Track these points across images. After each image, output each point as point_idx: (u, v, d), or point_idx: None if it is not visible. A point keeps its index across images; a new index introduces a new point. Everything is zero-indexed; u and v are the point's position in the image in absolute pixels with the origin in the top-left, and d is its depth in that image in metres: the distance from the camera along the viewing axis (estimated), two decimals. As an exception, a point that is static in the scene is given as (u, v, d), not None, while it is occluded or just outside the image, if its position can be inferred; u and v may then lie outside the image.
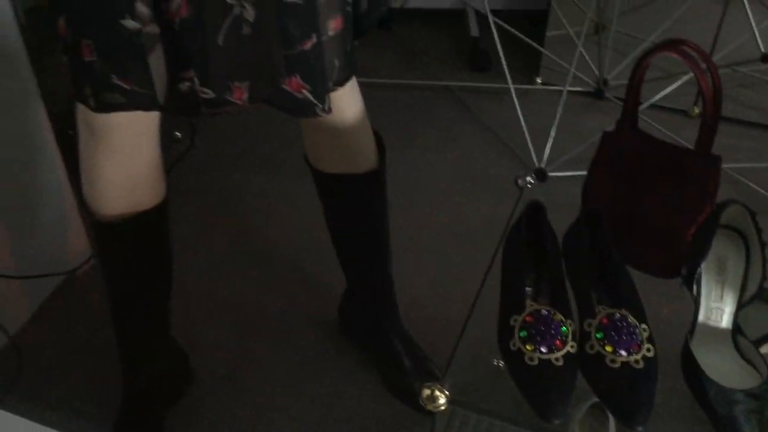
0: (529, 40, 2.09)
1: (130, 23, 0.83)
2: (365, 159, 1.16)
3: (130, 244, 1.10)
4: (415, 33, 2.35)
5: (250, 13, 0.85)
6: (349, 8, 0.96)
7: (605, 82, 2.09)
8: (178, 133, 1.93)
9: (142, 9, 0.82)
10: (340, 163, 1.15)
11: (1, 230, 1.35)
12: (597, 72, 2.07)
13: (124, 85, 0.88)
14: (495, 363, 1.04)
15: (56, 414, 1.27)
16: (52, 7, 0.89)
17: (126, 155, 1.01)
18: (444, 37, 2.39)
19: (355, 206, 1.21)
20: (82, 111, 0.98)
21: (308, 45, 0.89)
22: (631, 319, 0.85)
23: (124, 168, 1.02)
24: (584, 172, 1.06)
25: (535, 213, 0.99)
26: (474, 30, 2.31)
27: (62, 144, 1.45)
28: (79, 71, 0.90)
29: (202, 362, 1.38)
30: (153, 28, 0.84)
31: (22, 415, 0.70)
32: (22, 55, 1.32)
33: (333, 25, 0.93)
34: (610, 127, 1.03)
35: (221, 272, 1.58)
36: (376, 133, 1.18)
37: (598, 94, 2.11)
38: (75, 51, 0.88)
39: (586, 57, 2.05)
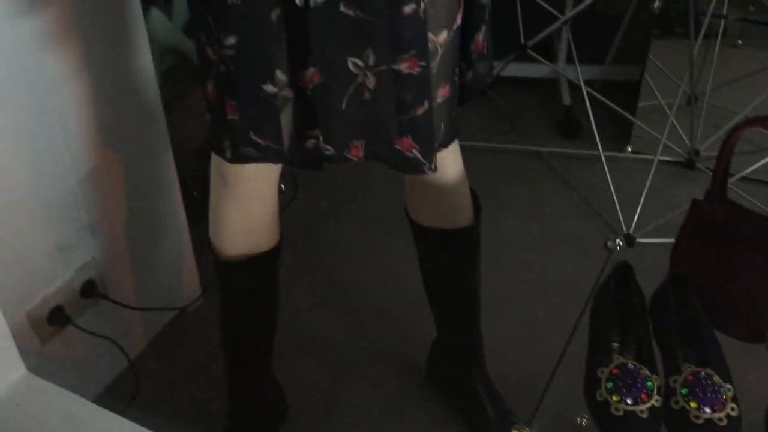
0: (620, 110, 2.14)
1: (269, 88, 0.95)
2: (462, 215, 1.24)
3: (246, 282, 1.21)
4: (509, 99, 2.44)
5: (371, 82, 0.96)
6: (456, 78, 1.07)
7: (696, 153, 2.10)
8: (282, 186, 2.06)
9: (281, 76, 0.95)
10: (439, 217, 1.24)
11: (127, 267, 1.49)
12: (688, 143, 2.09)
13: (259, 141, 1.00)
14: (578, 421, 1.09)
15: None
16: (201, 73, 1.03)
17: (251, 202, 1.14)
18: (536, 105, 2.47)
19: (450, 259, 1.29)
20: (216, 162, 1.11)
21: (420, 111, 0.98)
22: (716, 378, 0.88)
23: (248, 213, 1.15)
24: (672, 240, 1.10)
25: (623, 273, 1.05)
26: (566, 98, 2.38)
27: (183, 191, 1.60)
28: (221, 127, 1.03)
29: (296, 399, 1.46)
30: (287, 92, 0.96)
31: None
32: (159, 111, 1.48)
33: (441, 93, 1.03)
34: (700, 196, 1.07)
35: (314, 315, 1.68)
36: (472, 192, 1.26)
37: (688, 164, 2.13)
38: (219, 110, 1.01)
39: (678, 128, 2.08)
